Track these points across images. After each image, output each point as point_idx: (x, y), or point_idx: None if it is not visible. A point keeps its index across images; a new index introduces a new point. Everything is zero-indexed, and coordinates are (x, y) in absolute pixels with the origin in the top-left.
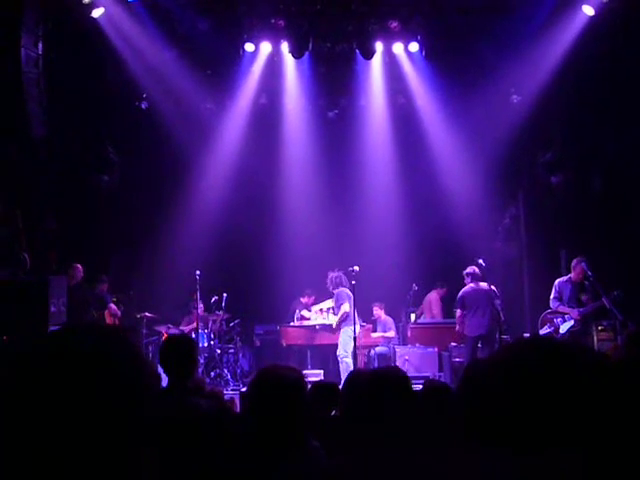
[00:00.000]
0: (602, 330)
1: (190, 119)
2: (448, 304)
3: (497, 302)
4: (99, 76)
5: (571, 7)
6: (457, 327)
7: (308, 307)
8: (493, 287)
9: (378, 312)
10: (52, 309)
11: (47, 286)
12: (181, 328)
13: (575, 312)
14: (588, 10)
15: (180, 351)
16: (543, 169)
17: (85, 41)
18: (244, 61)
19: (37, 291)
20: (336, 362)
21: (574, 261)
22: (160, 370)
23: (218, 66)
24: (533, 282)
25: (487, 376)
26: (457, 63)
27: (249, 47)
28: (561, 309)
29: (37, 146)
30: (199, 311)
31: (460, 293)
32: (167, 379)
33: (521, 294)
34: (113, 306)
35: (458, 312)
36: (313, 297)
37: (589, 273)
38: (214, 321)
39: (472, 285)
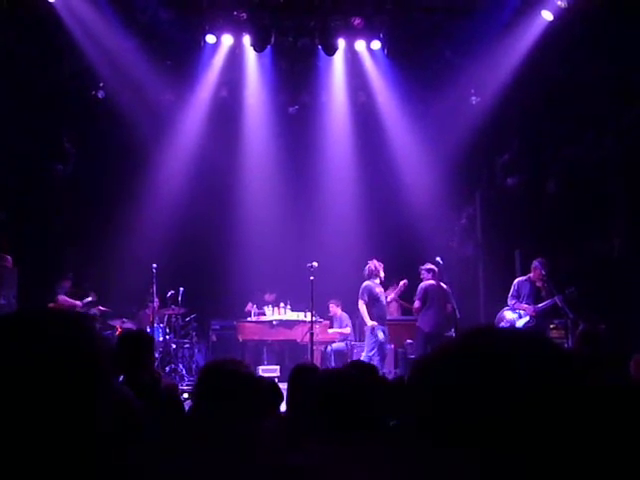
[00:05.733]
0: (554, 328)
1: (149, 110)
2: (405, 300)
3: (452, 302)
4: (54, 63)
5: (531, 12)
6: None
7: (271, 304)
8: (448, 287)
9: (334, 309)
10: (2, 301)
11: None
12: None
13: (531, 309)
14: (547, 15)
15: (136, 348)
16: (500, 170)
17: (40, 26)
18: (205, 53)
19: None
20: (292, 358)
21: (533, 262)
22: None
23: (179, 57)
24: (488, 281)
25: (435, 366)
26: (419, 62)
27: (210, 39)
28: (517, 306)
29: None
30: (155, 305)
31: (423, 285)
32: (122, 376)
33: (476, 293)
34: (62, 297)
35: (417, 304)
36: (274, 294)
37: (543, 272)
38: (169, 315)
39: (434, 282)
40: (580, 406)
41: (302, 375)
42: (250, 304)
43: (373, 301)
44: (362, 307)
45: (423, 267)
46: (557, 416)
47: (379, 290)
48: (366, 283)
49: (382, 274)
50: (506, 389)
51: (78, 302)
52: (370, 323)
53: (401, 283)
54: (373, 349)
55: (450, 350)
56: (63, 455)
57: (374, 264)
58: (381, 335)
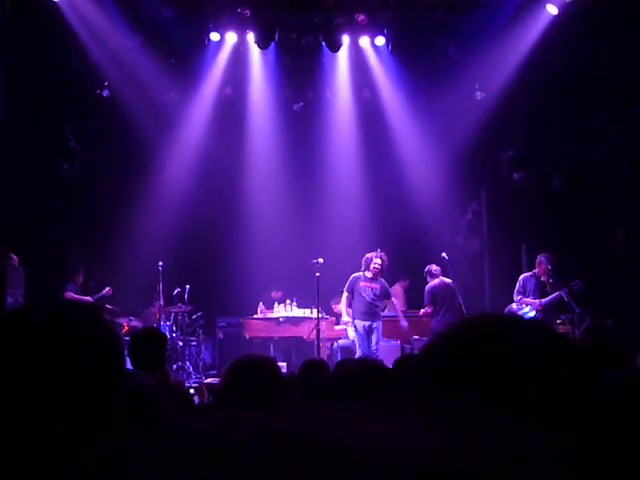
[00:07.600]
0: (560, 324)
1: (153, 108)
2: (411, 296)
3: (458, 297)
4: (59, 61)
5: (535, 6)
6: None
7: (277, 301)
8: (453, 282)
9: (338, 308)
10: (9, 300)
11: (4, 277)
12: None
13: (537, 303)
14: (552, 9)
15: (150, 345)
16: (505, 166)
17: (45, 25)
18: (209, 50)
19: None
20: (298, 354)
21: (538, 257)
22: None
23: (183, 55)
24: (494, 277)
25: (436, 349)
26: (423, 58)
27: (214, 36)
28: (523, 301)
29: None
30: (161, 303)
31: (429, 288)
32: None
33: (482, 288)
34: (68, 294)
35: (429, 309)
36: (281, 292)
37: (548, 267)
38: (176, 313)
39: (440, 280)
40: (585, 395)
41: (311, 370)
42: (261, 304)
43: (356, 294)
44: (343, 299)
45: (427, 270)
46: (562, 407)
47: (363, 284)
48: (353, 275)
49: (375, 262)
50: (515, 374)
51: (88, 298)
52: (345, 319)
53: None
54: (360, 345)
55: (459, 334)
56: (74, 446)
57: (371, 255)
58: (361, 329)
